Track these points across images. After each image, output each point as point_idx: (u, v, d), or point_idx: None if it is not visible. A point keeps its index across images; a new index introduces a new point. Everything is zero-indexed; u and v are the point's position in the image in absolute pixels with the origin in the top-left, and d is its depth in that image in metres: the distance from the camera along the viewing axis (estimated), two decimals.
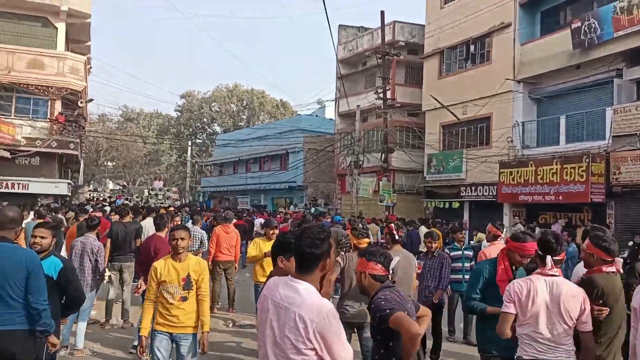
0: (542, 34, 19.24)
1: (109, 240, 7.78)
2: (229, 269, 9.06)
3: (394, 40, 25.22)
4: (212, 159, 47.84)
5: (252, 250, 6.87)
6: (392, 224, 5.41)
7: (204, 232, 9.09)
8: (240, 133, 43.12)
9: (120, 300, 7.68)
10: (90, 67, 33.31)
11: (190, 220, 9.84)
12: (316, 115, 38.51)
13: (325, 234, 2.47)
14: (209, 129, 59.63)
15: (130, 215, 8.90)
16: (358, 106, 25.04)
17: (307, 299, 2.30)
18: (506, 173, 18.69)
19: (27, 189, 22.73)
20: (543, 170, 17.37)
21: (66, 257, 4.26)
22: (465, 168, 21.00)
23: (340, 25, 29.59)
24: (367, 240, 5.22)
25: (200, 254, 9.03)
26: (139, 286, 5.92)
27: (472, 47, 21.12)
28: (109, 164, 58.08)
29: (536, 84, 19.25)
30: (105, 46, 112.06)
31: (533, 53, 18.97)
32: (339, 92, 29.07)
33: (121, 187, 60.57)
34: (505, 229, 7.67)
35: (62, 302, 3.99)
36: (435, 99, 20.33)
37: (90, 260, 6.22)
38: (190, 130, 58.51)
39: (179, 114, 59.35)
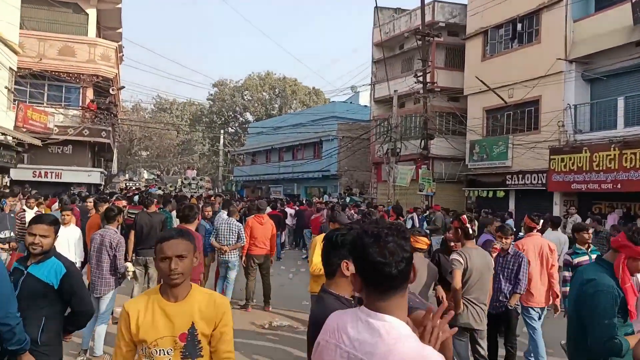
0: (598, 9, 17.74)
1: (132, 233, 7.11)
2: (264, 263, 8.29)
3: (433, 21, 23.94)
4: (245, 147, 47.38)
5: (318, 255, 5.29)
6: (465, 216, 4.46)
7: (240, 225, 8.30)
8: (273, 121, 42.45)
9: None
10: (122, 55, 33.10)
11: (225, 212, 9.04)
12: (350, 102, 37.45)
13: (407, 237, 1.60)
14: (241, 118, 59.26)
15: (156, 205, 8.18)
16: (395, 91, 23.92)
17: (397, 347, 1.44)
18: (557, 160, 17.40)
19: (60, 178, 22.57)
20: (599, 156, 16.04)
21: (69, 259, 3.41)
22: (512, 155, 19.73)
23: (376, 7, 28.31)
24: (425, 240, 4.33)
25: (237, 251, 8.30)
26: None
27: (519, 26, 19.74)
28: (143, 153, 58.45)
29: (590, 64, 17.81)
30: (137, 34, 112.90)
31: (587, 30, 17.52)
32: (374, 77, 27.99)
33: (155, 177, 61.02)
34: (541, 221, 6.66)
35: (66, 314, 3.23)
36: (481, 81, 19.08)
37: (109, 255, 5.50)
38: (223, 119, 58.24)
39: (212, 102, 59.11)
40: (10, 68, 16.96)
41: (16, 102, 18.13)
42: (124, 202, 11.28)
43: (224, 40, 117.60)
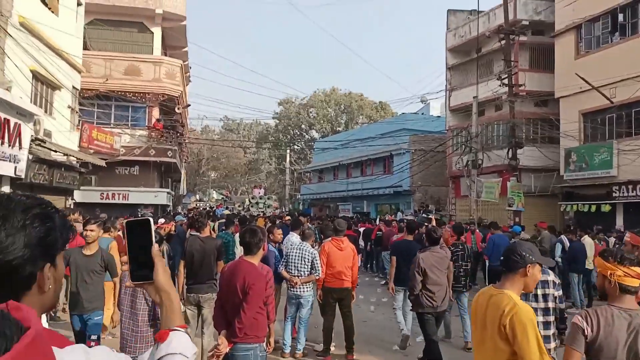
0: None
1: (182, 263, 5.76)
2: (345, 298, 6.69)
3: (515, 20, 21.74)
4: (311, 165, 46.31)
5: None
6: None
7: (315, 251, 6.77)
8: (340, 136, 41.14)
9: (200, 347, 5.52)
10: (189, 75, 33.00)
11: (295, 234, 7.54)
12: (422, 114, 35.51)
13: None
14: (307, 136, 58.52)
15: (211, 227, 6.84)
16: (475, 97, 21.83)
17: None
18: None
19: (127, 199, 22.11)
20: None
21: None
22: (617, 162, 17.16)
23: (449, 10, 26.58)
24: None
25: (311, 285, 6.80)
26: (213, 352, 3.67)
27: (620, 16, 17.32)
28: (212, 174, 58.87)
29: None
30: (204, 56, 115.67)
31: None
32: (449, 84, 26.00)
33: (224, 197, 61.26)
34: None
35: None
36: (583, 79, 16.65)
37: (146, 300, 4.09)
38: (289, 137, 57.71)
39: (277, 121, 58.81)
40: (73, 87, 16.53)
41: (80, 122, 17.72)
42: (171, 225, 10.08)
43: (290, 58, 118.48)
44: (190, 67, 34.66)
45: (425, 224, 17.25)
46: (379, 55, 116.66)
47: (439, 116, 33.49)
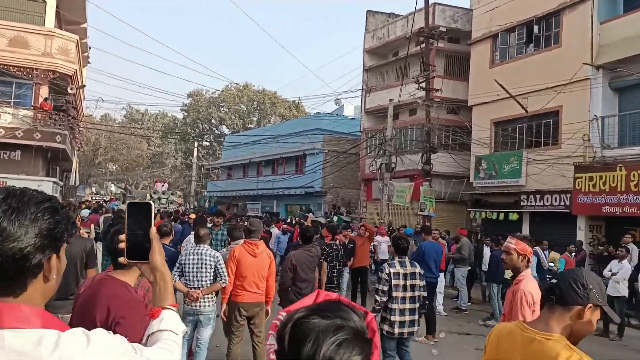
0: (627, 11, 15.77)
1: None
2: (256, 316, 5.56)
3: (433, 26, 21.64)
4: (220, 161, 44.47)
5: None
6: None
7: (219, 255, 5.58)
8: (252, 133, 39.75)
9: None
10: (88, 55, 30.13)
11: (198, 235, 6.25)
12: (337, 114, 35.11)
13: None
14: (217, 131, 56.39)
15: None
16: (391, 100, 21.57)
17: None
18: (584, 178, 15.14)
19: None
20: (637, 175, 13.83)
21: None
22: (526, 172, 17.48)
23: (368, 11, 26.27)
24: None
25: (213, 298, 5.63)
26: None
27: (535, 28, 17.66)
28: (111, 166, 54.87)
29: (617, 71, 15.75)
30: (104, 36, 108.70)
31: (615, 33, 15.52)
32: (366, 86, 25.66)
33: (122, 190, 57.33)
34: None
35: None
36: (501, 86, 16.71)
37: None
38: (197, 131, 55.29)
39: (185, 114, 56.15)
40: None
41: None
42: None
43: (199, 49, 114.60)
44: (90, 48, 31.74)
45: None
46: (298, 53, 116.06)
47: (353, 118, 33.23)
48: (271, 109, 53.85)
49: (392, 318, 5.37)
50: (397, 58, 24.49)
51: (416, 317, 5.53)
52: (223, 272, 5.48)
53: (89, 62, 33.14)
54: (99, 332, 1.19)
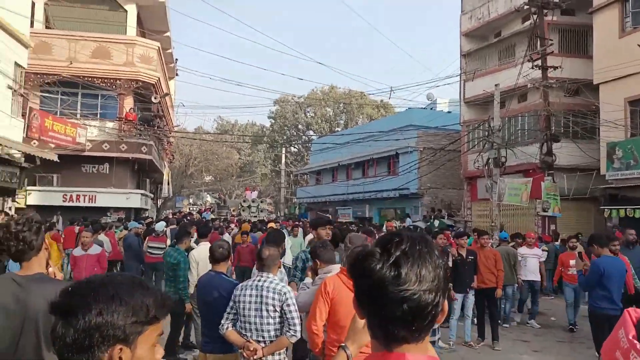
0: None
1: None
2: None
3: None
4: (308, 166, 43.25)
5: None
6: None
7: (289, 291, 3.71)
8: (339, 136, 38.11)
9: None
10: (174, 66, 30.01)
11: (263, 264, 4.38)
12: (431, 108, 32.53)
13: None
14: (304, 137, 55.53)
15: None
16: (496, 85, 18.88)
17: None
18: None
19: (94, 202, 19.08)
20: None
21: None
22: None
23: None
24: None
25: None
26: None
27: None
28: (206, 177, 55.73)
29: None
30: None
31: None
32: (464, 73, 23.03)
33: (217, 200, 58.09)
34: None
35: None
36: None
37: None
38: (285, 137, 54.73)
39: (273, 121, 55.84)
40: (17, 64, 13.49)
41: (29, 108, 14.69)
42: (88, 234, 7.18)
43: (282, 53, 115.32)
44: (177, 60, 31.69)
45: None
46: (384, 46, 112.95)
47: (449, 111, 30.49)
48: (358, 110, 52.02)
49: None
50: (501, 38, 21.68)
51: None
52: (292, 317, 3.67)
53: (177, 74, 33.21)
54: None
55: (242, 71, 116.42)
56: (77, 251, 7.18)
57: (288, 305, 3.70)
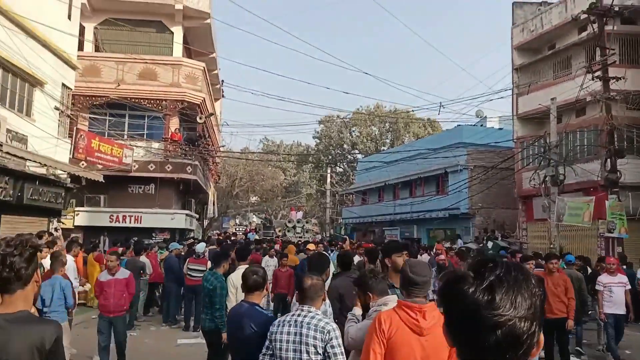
0: None
1: None
2: None
3: (603, 5, 17.78)
4: (354, 186, 42.65)
5: None
6: None
7: (334, 328, 3.16)
8: (386, 154, 37.41)
9: None
10: (220, 87, 30.28)
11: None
12: (481, 125, 31.44)
13: None
14: (349, 156, 55.06)
15: None
16: (553, 99, 17.88)
17: None
18: None
19: (140, 222, 19.11)
20: None
21: None
22: None
23: (514, 3, 22.81)
24: None
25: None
26: None
27: None
28: (252, 197, 56.01)
29: None
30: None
31: None
32: (516, 87, 22.04)
33: (262, 220, 58.17)
34: None
35: None
36: None
37: None
38: (330, 157, 54.41)
39: (318, 141, 55.70)
40: (64, 85, 13.65)
41: (76, 129, 14.83)
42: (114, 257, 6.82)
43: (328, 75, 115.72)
44: (223, 81, 31.99)
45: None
46: (428, 62, 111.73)
47: (500, 128, 29.36)
48: (404, 129, 51.21)
49: None
50: (555, 51, 20.64)
51: None
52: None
53: (223, 96, 33.51)
54: None
55: (289, 86, 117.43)
56: (103, 276, 6.84)
57: (332, 346, 3.13)
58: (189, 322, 9.68)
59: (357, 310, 3.67)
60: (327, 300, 4.23)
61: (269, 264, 11.13)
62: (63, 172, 12.81)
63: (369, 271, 3.86)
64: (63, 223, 14.08)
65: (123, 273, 6.92)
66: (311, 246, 12.23)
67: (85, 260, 11.44)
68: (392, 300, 3.39)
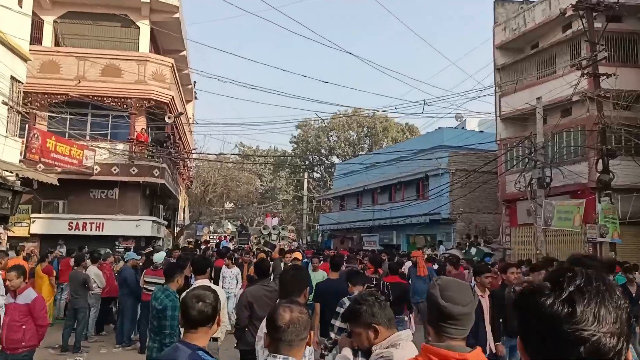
0: None
1: None
2: None
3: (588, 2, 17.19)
4: (332, 191, 41.67)
5: None
6: None
7: None
8: (365, 158, 36.52)
9: None
10: (192, 87, 29.03)
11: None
12: (462, 128, 30.79)
13: None
14: (327, 161, 54.15)
15: None
16: (538, 99, 17.18)
17: None
18: None
19: (102, 230, 17.75)
20: None
21: None
22: None
23: (496, 2, 22.19)
24: None
25: None
26: None
27: None
28: (227, 204, 54.54)
29: None
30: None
31: None
32: (499, 88, 21.36)
33: (238, 228, 56.69)
34: None
35: None
36: None
37: None
38: (307, 163, 53.41)
39: (295, 145, 54.66)
40: (13, 78, 12.33)
41: (27, 127, 13.49)
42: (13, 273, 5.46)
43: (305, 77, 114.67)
44: (195, 82, 30.74)
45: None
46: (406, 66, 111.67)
47: (481, 130, 28.76)
48: (383, 133, 50.53)
49: None
50: (539, 49, 20.01)
51: None
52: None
53: (195, 98, 32.23)
54: None
55: (264, 96, 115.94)
56: (7, 299, 5.32)
57: None
58: (145, 343, 8.50)
59: (347, 352, 2.59)
60: (311, 347, 3.09)
61: (225, 274, 10.11)
62: (10, 174, 11.48)
63: (367, 294, 2.67)
64: (10, 230, 12.70)
65: (26, 297, 5.23)
66: (298, 255, 10.98)
67: (33, 273, 10.16)
68: (404, 339, 2.32)
